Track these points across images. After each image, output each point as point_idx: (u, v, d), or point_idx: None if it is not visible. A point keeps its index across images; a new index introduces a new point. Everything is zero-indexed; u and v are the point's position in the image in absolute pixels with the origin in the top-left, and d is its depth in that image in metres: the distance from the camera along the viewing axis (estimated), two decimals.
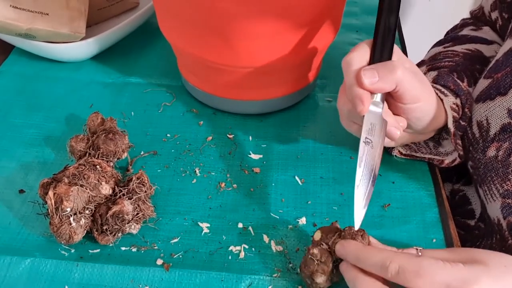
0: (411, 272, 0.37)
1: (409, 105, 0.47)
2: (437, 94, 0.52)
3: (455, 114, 0.52)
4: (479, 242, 0.55)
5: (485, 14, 0.68)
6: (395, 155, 0.57)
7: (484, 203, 0.53)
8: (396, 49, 0.47)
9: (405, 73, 0.45)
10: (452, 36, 0.67)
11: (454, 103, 0.52)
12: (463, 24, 0.70)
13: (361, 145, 0.45)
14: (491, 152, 0.50)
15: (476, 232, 0.56)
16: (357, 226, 0.43)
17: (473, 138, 0.53)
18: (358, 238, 0.43)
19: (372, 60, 0.46)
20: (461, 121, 0.53)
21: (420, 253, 0.41)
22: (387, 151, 0.58)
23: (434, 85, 0.53)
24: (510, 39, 0.53)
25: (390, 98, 0.48)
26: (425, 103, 0.48)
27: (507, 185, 0.48)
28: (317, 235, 0.44)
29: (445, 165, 0.54)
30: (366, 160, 0.44)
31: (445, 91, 0.53)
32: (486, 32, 0.66)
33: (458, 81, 0.54)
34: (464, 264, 0.37)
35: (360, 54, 0.46)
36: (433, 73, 0.55)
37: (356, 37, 0.77)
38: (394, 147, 0.56)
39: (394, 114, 0.49)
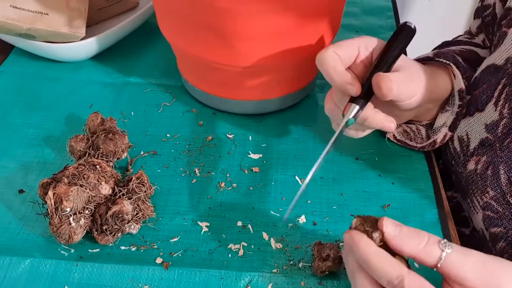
0: None
1: (406, 102, 0.50)
2: (444, 62, 0.54)
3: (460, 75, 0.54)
4: None
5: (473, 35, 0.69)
6: (388, 138, 0.58)
7: (470, 215, 0.54)
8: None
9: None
10: (447, 42, 0.69)
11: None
12: (457, 36, 0.72)
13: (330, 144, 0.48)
14: (471, 165, 0.52)
15: (473, 241, 0.57)
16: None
17: (454, 152, 0.55)
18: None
19: (377, 63, 0.48)
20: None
21: (443, 249, 0.37)
22: (381, 133, 0.59)
23: (436, 59, 0.55)
24: (488, 58, 0.55)
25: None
26: (418, 95, 0.50)
27: (486, 197, 0.50)
28: (355, 222, 0.40)
29: (438, 144, 0.55)
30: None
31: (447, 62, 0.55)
32: (480, 40, 0.67)
33: (458, 57, 0.56)
34: None
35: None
36: (430, 53, 0.57)
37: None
38: None
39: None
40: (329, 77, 0.48)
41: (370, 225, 0.39)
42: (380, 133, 0.60)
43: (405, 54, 0.74)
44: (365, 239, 0.38)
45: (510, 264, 0.37)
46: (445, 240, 0.37)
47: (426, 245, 0.37)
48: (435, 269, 0.37)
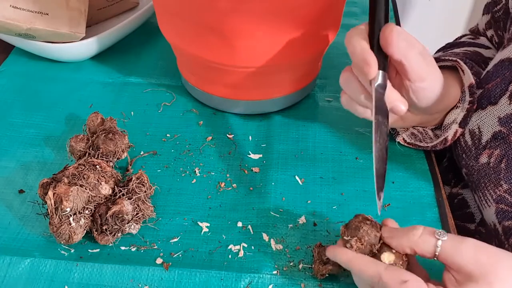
0: None
1: (417, 84, 0.47)
2: (450, 59, 0.54)
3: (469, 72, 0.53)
4: None
5: (481, 32, 0.69)
6: (398, 142, 0.57)
7: (480, 208, 0.54)
8: (404, 32, 0.47)
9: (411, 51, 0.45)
10: (451, 43, 0.69)
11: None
12: (461, 36, 0.72)
13: (375, 125, 0.45)
14: (483, 159, 0.52)
15: (477, 236, 0.57)
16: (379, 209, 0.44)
17: (466, 146, 0.54)
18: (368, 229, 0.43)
19: (371, 32, 0.46)
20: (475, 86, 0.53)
21: (439, 238, 0.39)
22: (391, 138, 0.58)
23: (442, 58, 0.55)
24: (501, 51, 0.54)
25: (398, 80, 0.48)
26: (432, 81, 0.48)
27: (499, 191, 0.50)
28: (341, 230, 0.45)
29: (450, 142, 0.54)
30: (380, 140, 0.45)
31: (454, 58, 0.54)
32: (483, 41, 0.68)
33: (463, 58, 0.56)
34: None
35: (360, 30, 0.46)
36: (434, 56, 0.57)
37: None
38: (399, 134, 0.57)
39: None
40: (352, 52, 0.45)
41: (350, 232, 0.43)
42: None
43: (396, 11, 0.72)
44: (340, 251, 0.43)
45: (505, 251, 0.39)
46: (441, 230, 0.39)
47: (421, 236, 0.40)
48: (435, 259, 0.40)
